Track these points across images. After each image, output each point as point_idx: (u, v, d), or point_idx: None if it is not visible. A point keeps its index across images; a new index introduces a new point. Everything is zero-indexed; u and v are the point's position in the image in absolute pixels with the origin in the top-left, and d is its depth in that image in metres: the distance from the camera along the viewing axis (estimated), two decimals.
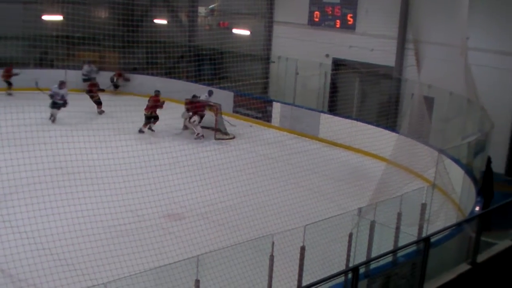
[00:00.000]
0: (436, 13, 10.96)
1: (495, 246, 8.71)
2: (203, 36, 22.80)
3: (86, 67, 22.66)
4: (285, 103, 20.40)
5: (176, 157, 12.50)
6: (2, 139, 10.22)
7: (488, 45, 15.62)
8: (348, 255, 8.79)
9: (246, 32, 22.61)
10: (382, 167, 10.97)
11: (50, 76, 18.95)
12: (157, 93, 18.55)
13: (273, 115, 20.39)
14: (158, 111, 18.16)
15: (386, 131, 15.94)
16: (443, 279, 7.46)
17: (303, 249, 8.12)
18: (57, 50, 16.41)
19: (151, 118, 18.08)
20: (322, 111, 19.74)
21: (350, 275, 5.98)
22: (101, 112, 19.93)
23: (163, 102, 18.32)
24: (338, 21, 20.37)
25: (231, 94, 21.25)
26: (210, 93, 19.34)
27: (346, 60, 20.04)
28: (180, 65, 21.68)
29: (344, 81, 20.21)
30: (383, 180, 9.86)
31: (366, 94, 20.00)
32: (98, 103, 20.10)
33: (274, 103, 20.56)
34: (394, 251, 7.59)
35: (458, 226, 8.99)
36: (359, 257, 8.53)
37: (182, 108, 18.68)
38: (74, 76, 21.44)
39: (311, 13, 21.29)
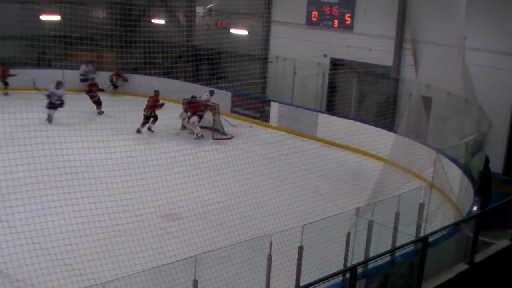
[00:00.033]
0: (434, 13, 10.96)
1: (493, 246, 8.74)
2: (201, 36, 22.77)
3: (83, 67, 22.62)
4: (283, 103, 20.39)
5: (174, 157, 12.51)
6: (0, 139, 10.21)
7: (486, 45, 15.62)
8: (346, 255, 8.78)
9: (244, 32, 22.57)
10: (380, 167, 10.97)
11: (48, 76, 18.87)
12: (156, 93, 18.47)
13: (271, 115, 20.35)
14: (157, 111, 18.14)
15: (384, 131, 15.95)
16: (441, 279, 7.48)
17: (301, 249, 8.10)
18: (55, 50, 16.36)
19: (150, 118, 18.06)
20: (320, 111, 19.74)
21: (348, 275, 6.00)
22: (100, 113, 19.84)
23: (163, 104, 18.26)
24: (336, 21, 20.37)
25: (229, 94, 21.21)
26: (211, 93, 19.22)
27: (344, 60, 20.04)
28: (178, 65, 21.65)
29: (342, 81, 20.24)
30: (381, 180, 9.86)
31: (364, 94, 20.01)
32: (98, 103, 20.01)
33: (272, 103, 20.53)
34: (392, 251, 7.59)
35: (456, 226, 8.99)
36: (357, 257, 8.51)
37: (180, 108, 18.66)
38: (71, 76, 21.43)
39: (309, 13, 21.29)
